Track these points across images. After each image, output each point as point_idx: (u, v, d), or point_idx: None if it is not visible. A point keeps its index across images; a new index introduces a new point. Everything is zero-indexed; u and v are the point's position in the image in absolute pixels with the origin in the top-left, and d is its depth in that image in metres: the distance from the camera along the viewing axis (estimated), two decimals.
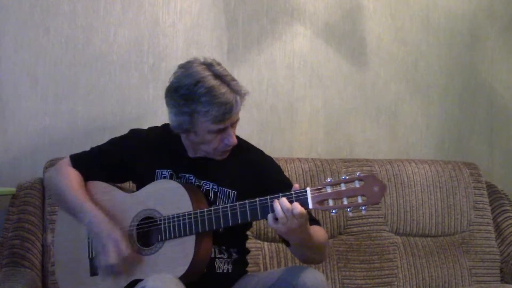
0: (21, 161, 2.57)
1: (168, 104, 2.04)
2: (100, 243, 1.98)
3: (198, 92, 1.95)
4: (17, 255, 2.31)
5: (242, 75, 2.86)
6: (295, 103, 2.95)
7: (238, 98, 1.98)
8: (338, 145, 3.02)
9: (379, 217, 2.75)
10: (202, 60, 2.03)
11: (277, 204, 1.82)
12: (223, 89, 1.96)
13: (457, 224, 2.87)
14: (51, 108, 2.60)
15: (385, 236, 2.75)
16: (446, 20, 3.22)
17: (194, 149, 2.11)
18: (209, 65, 2.00)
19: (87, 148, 2.24)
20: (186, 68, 2.02)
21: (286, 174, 2.62)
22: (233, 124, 2.03)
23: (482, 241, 2.87)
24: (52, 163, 2.40)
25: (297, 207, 1.80)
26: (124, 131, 2.28)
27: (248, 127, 2.86)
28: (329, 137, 3.01)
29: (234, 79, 2.01)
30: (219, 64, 2.03)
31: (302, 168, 2.68)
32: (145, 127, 2.27)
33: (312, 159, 2.76)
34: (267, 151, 2.81)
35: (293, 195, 1.85)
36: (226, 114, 1.96)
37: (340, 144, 3.03)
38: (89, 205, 2.05)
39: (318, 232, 1.99)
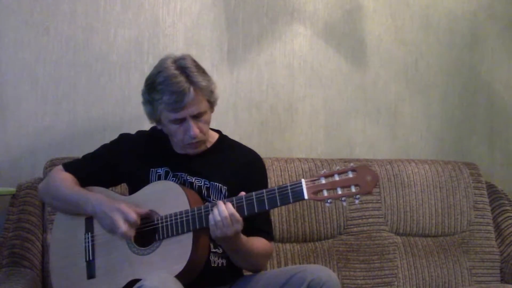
0: (21, 161, 2.57)
1: None
2: (108, 220, 2.00)
3: (157, 81, 2.03)
4: (17, 255, 2.31)
5: (242, 75, 2.86)
6: (295, 103, 2.95)
7: (191, 88, 2.00)
8: (338, 145, 3.02)
9: (379, 217, 2.75)
10: (178, 55, 2.09)
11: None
12: (179, 78, 2.00)
13: (457, 224, 2.87)
14: (51, 108, 2.60)
15: (385, 236, 2.75)
16: (446, 20, 3.22)
17: (179, 147, 2.15)
18: (178, 59, 2.06)
19: (87, 148, 2.25)
20: (159, 61, 2.10)
21: (286, 174, 2.64)
22: (196, 117, 2.05)
23: (482, 241, 2.87)
24: (52, 163, 2.40)
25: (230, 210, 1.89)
26: (124, 131, 2.29)
27: (248, 127, 2.86)
28: (329, 137, 3.01)
29: (197, 72, 2.03)
30: (193, 60, 2.07)
31: (302, 168, 2.68)
32: (145, 127, 2.28)
33: (312, 159, 2.76)
34: (267, 151, 2.83)
35: (289, 187, 1.88)
36: (178, 102, 1.99)
37: (340, 144, 3.03)
38: (87, 193, 2.09)
39: (254, 243, 2.06)
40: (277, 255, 2.56)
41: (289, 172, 2.64)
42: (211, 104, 2.10)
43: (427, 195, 2.84)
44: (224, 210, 1.89)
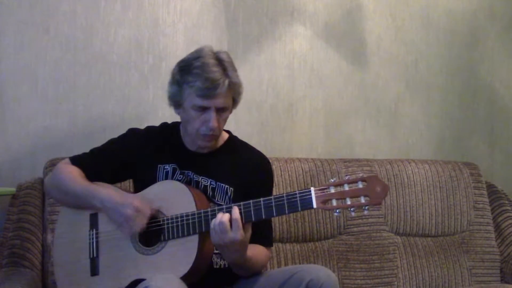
0: (21, 161, 2.57)
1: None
2: (120, 215, 1.99)
3: (194, 65, 2.03)
4: (17, 255, 2.31)
5: (242, 75, 2.81)
6: (295, 103, 2.95)
7: (226, 81, 2.01)
8: (338, 145, 3.02)
9: (379, 217, 2.75)
10: (215, 49, 2.10)
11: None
12: (216, 68, 2.01)
13: (457, 224, 2.87)
14: (51, 108, 2.60)
15: (385, 236, 2.75)
16: (446, 20, 3.22)
17: (190, 139, 2.13)
18: (218, 52, 2.08)
19: (87, 148, 2.24)
20: (196, 49, 2.10)
21: (286, 174, 2.64)
22: (219, 110, 2.05)
23: (482, 241, 2.87)
24: (52, 163, 2.40)
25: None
26: (124, 131, 2.28)
27: (248, 127, 2.86)
28: (329, 137, 3.01)
29: (233, 69, 2.06)
30: (230, 57, 2.08)
31: (302, 168, 2.68)
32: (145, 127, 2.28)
33: (312, 159, 2.76)
34: (267, 151, 2.82)
35: (298, 195, 1.88)
36: (210, 89, 1.99)
37: (340, 144, 3.03)
38: (96, 187, 2.08)
39: (254, 254, 2.03)
40: (277, 255, 2.56)
41: (289, 172, 2.65)
42: (234, 104, 2.12)
43: (427, 195, 2.84)
44: (222, 217, 1.89)
